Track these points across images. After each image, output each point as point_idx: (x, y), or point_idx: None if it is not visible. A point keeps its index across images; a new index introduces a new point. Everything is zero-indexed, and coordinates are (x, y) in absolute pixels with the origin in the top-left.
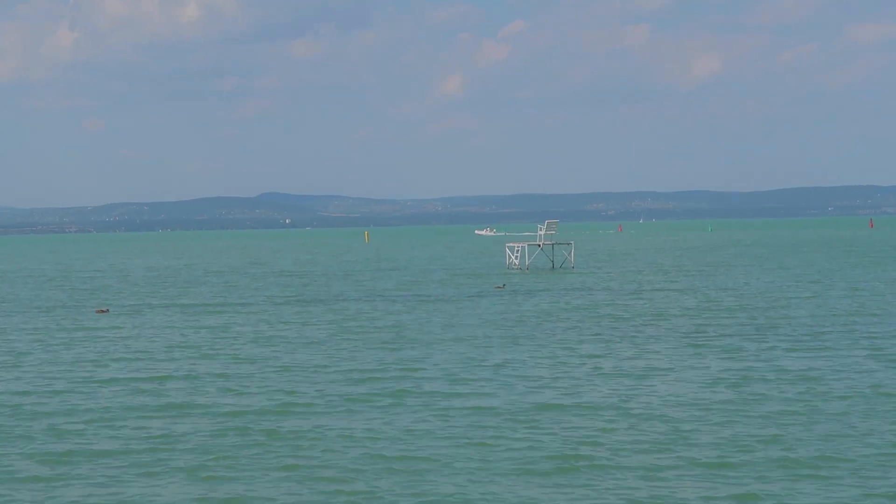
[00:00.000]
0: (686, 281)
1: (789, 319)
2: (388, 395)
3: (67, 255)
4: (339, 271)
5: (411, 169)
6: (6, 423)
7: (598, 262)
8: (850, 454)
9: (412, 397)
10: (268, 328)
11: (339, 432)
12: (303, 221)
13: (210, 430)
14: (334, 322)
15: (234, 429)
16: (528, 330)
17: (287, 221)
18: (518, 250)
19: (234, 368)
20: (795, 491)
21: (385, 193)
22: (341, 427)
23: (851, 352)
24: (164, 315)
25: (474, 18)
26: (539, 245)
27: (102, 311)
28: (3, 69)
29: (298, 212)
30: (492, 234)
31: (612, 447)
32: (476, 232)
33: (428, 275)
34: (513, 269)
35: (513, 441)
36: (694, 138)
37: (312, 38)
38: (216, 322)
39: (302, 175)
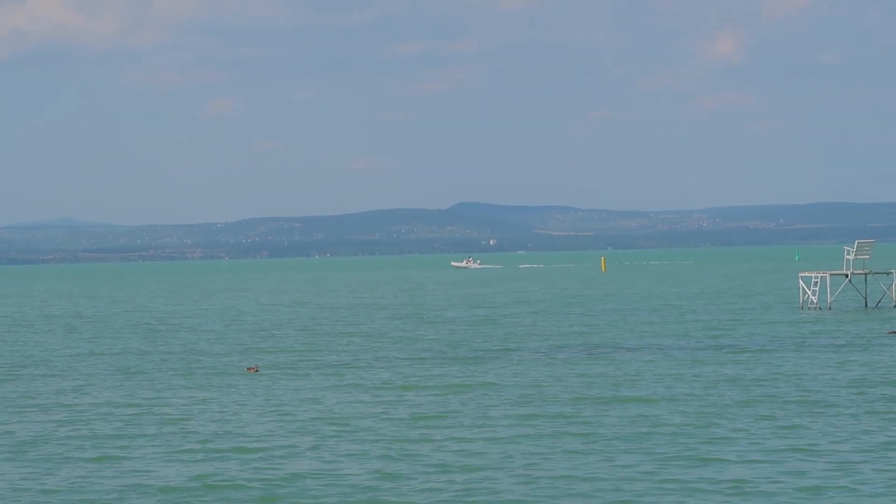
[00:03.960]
0: None
1: None
2: None
3: (192, 287)
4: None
5: (665, 168)
6: None
7: None
8: None
9: None
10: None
11: None
12: (512, 242)
13: None
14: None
15: None
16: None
17: (491, 242)
18: (817, 282)
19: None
20: None
21: (629, 203)
22: None
23: None
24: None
25: None
26: (846, 275)
27: (252, 370)
28: (99, 33)
29: (505, 229)
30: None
31: None
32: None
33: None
34: (810, 307)
35: None
36: None
37: None
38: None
39: (510, 179)
